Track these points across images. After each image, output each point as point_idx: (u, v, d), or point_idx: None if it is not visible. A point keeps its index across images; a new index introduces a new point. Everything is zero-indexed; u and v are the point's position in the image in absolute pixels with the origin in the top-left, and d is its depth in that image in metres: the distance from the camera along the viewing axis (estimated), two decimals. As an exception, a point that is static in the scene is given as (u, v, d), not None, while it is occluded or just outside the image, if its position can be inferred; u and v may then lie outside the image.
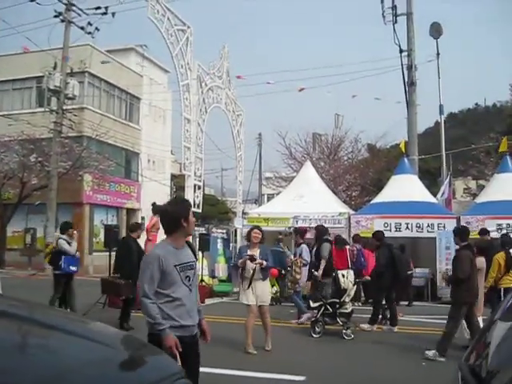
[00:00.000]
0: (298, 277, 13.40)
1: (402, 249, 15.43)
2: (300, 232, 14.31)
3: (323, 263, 12.23)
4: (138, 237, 12.56)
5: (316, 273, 12.31)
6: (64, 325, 3.36)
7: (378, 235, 13.26)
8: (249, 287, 9.47)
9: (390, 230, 17.66)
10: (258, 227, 10.18)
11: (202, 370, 4.68)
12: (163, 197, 35.54)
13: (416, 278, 17.96)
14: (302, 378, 7.69)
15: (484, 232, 13.57)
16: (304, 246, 13.71)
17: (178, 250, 4.54)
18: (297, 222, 18.94)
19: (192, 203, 19.02)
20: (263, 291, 9.59)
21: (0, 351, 2.75)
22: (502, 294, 10.46)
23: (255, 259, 9.43)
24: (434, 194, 20.95)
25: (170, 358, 3.52)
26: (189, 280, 4.54)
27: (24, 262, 29.14)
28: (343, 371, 8.43)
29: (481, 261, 10.35)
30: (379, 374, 8.23)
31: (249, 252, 9.63)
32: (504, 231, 15.84)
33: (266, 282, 9.76)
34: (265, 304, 9.64)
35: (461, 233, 10.11)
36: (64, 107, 26.72)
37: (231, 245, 23.25)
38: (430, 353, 9.15)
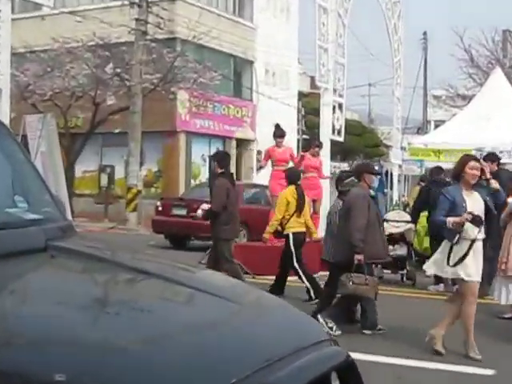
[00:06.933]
0: None
1: None
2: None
3: None
4: None
5: None
6: (166, 272, 3.45)
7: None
8: (467, 254, 8.04)
9: None
10: (474, 158, 8.87)
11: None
12: (288, 122, 35.32)
13: None
14: (490, 373, 7.57)
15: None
16: None
17: None
18: (481, 155, 18.34)
19: (331, 128, 18.82)
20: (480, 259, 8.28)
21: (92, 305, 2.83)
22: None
23: (479, 221, 7.97)
24: None
25: (315, 321, 3.72)
26: None
27: (99, 212, 30.05)
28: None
29: None
30: None
31: (466, 198, 8.19)
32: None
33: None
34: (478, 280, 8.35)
35: (219, 158, 12.05)
36: (150, -1, 26.95)
37: (385, 191, 22.90)
38: None
